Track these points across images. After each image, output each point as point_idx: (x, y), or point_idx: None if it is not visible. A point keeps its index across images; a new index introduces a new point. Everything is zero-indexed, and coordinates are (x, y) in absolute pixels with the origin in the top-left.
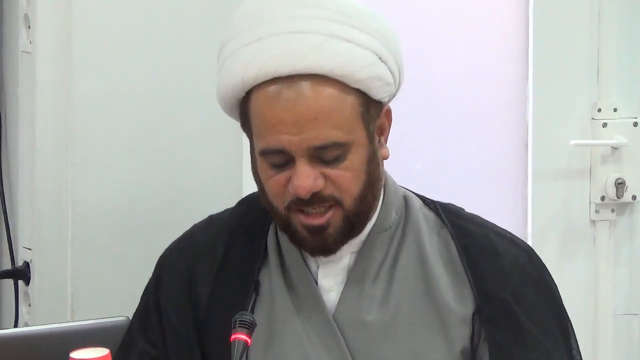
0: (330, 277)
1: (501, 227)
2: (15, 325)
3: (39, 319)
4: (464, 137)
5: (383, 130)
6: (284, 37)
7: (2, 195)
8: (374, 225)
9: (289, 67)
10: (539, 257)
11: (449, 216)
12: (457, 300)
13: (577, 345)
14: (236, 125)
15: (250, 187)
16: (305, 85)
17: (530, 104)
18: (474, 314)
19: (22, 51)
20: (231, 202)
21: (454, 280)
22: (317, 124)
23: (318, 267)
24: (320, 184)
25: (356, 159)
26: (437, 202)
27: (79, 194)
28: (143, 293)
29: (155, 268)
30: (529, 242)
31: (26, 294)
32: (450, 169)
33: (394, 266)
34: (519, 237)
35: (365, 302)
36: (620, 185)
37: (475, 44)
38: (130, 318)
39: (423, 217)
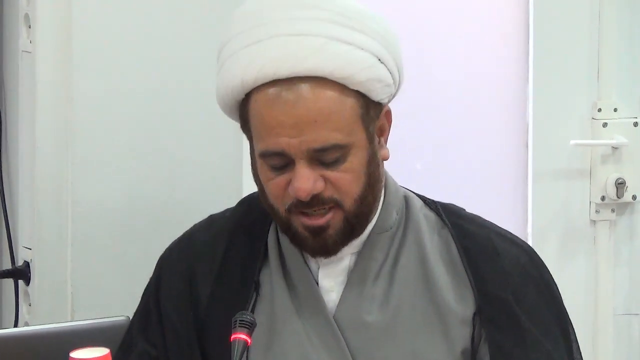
0: (331, 277)
1: (502, 227)
2: (15, 325)
3: (39, 318)
4: (464, 137)
5: (383, 131)
6: (283, 39)
7: (2, 195)
8: (374, 225)
9: (288, 70)
10: (539, 258)
11: (450, 216)
12: (457, 300)
13: (578, 346)
14: (236, 125)
15: (250, 187)
16: (304, 88)
17: (530, 104)
18: (474, 314)
19: (22, 51)
20: (231, 202)
21: (454, 280)
22: (316, 127)
23: (318, 268)
24: (320, 186)
25: (356, 160)
26: (438, 202)
27: (79, 194)
28: (143, 293)
29: (155, 268)
30: (529, 242)
31: (26, 294)
32: (450, 169)
33: (395, 266)
34: (519, 237)
35: (365, 303)
36: (620, 185)
37: (475, 45)
38: (130, 318)
39: (424, 218)
